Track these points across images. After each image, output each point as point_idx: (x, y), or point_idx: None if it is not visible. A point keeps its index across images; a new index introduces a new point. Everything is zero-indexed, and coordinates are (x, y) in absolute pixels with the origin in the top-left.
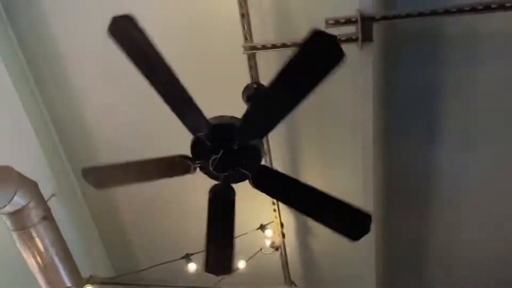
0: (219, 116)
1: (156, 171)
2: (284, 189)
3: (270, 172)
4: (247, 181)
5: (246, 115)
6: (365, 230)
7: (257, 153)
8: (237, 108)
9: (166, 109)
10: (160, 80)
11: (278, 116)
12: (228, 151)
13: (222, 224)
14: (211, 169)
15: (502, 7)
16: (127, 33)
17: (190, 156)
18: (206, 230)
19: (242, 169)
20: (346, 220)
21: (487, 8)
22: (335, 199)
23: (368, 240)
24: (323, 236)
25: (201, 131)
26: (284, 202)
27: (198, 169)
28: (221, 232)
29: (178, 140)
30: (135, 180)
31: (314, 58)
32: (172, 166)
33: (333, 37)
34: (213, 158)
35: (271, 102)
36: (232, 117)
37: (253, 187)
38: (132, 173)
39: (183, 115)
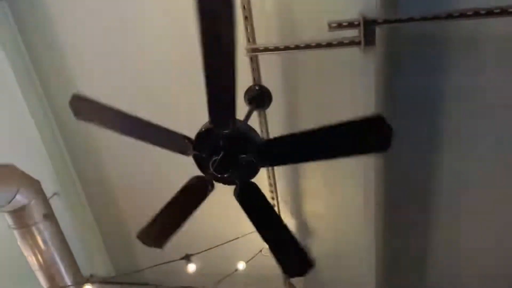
0: (243, 122)
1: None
2: (258, 211)
3: (254, 190)
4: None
5: (271, 140)
6: (302, 272)
7: (255, 170)
8: (239, 110)
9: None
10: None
11: (296, 159)
12: (233, 157)
13: (183, 209)
14: (210, 165)
15: (505, 12)
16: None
17: (193, 140)
18: (166, 204)
19: (234, 176)
20: (292, 258)
21: (490, 13)
22: (294, 238)
23: (368, 242)
24: (323, 238)
25: (224, 128)
26: (252, 222)
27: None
28: (177, 214)
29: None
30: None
31: (363, 136)
32: (170, 139)
33: (391, 129)
34: (215, 158)
35: (300, 144)
36: (255, 130)
37: (233, 196)
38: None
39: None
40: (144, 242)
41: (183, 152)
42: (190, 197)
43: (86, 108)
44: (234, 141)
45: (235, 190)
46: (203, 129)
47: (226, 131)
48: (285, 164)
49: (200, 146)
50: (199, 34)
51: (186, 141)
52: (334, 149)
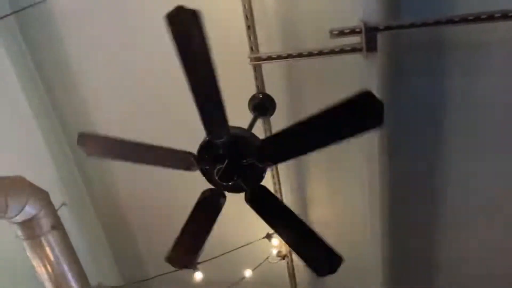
0: (238, 127)
1: (156, 157)
2: (273, 212)
3: (265, 193)
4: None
5: (268, 138)
6: (332, 269)
7: (261, 173)
8: (243, 118)
9: (175, 118)
10: (140, 157)
11: (296, 152)
12: (235, 163)
13: (202, 225)
14: (215, 175)
15: (505, 17)
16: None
17: (196, 155)
18: (185, 224)
19: (242, 183)
20: (318, 256)
21: (491, 18)
22: (315, 234)
23: (375, 248)
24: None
25: (219, 137)
26: (268, 223)
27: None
28: (198, 231)
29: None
30: (131, 159)
31: (354, 115)
32: (174, 158)
33: (381, 103)
34: (219, 167)
35: (297, 137)
36: (252, 133)
37: (246, 202)
38: (130, 151)
39: (208, 116)
40: (175, 265)
41: (189, 168)
42: (206, 211)
43: (93, 144)
44: (233, 147)
45: (246, 196)
46: (202, 143)
47: (222, 140)
48: (288, 159)
49: (204, 159)
50: (177, 55)
51: (190, 156)
52: (330, 134)
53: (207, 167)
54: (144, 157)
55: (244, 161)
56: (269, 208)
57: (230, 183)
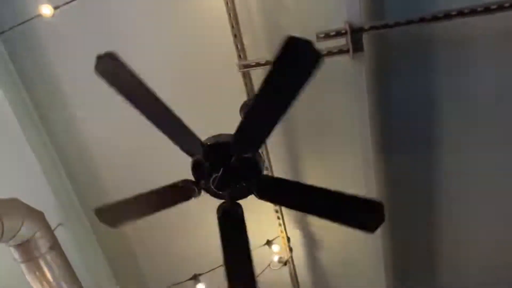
0: (214, 136)
1: (163, 200)
2: (290, 194)
3: (272, 181)
4: (249, 198)
5: (237, 130)
6: (380, 219)
7: (256, 164)
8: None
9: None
10: (151, 111)
11: (269, 126)
12: (228, 168)
13: (237, 242)
14: (213, 188)
15: (488, 10)
16: (112, 71)
17: (193, 179)
18: (222, 251)
19: (244, 183)
20: (359, 213)
21: (473, 12)
22: (343, 194)
23: (376, 248)
24: (330, 247)
25: (198, 153)
26: (293, 207)
27: (203, 191)
28: (237, 250)
29: (181, 163)
30: (146, 213)
31: (293, 64)
32: (177, 192)
33: (308, 41)
34: (213, 177)
35: (260, 113)
36: (226, 134)
37: (259, 199)
38: (141, 206)
39: (179, 140)
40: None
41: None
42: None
43: (111, 214)
44: (244, 166)
45: (255, 194)
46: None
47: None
48: (264, 140)
49: (210, 156)
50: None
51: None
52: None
53: (206, 164)
54: (154, 205)
55: (232, 161)
56: (283, 193)
57: (234, 189)
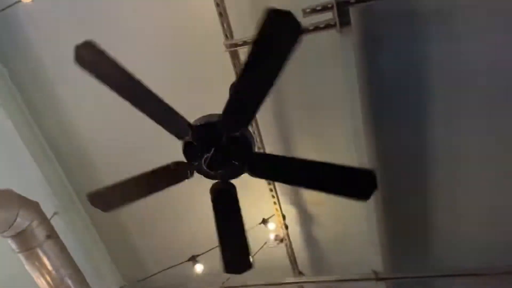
0: (204, 116)
1: (155, 182)
2: (283, 169)
3: (264, 157)
4: (243, 178)
5: (225, 108)
6: (372, 187)
7: (247, 142)
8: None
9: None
10: (135, 97)
11: (256, 101)
12: (219, 147)
13: (231, 221)
14: (205, 168)
15: None
16: (92, 59)
17: (185, 161)
18: (217, 231)
19: (236, 162)
20: (352, 182)
21: None
22: (334, 165)
23: (371, 222)
24: (325, 223)
25: (187, 134)
26: (286, 182)
27: (195, 172)
28: (232, 229)
29: (172, 148)
30: (138, 196)
31: (274, 36)
32: (169, 174)
33: (286, 12)
34: (205, 157)
35: (246, 90)
36: (215, 114)
37: (252, 176)
38: (133, 189)
39: (166, 123)
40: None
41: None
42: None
43: (104, 198)
44: (234, 144)
45: (248, 172)
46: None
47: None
48: (252, 118)
49: (199, 137)
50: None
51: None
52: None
53: (197, 145)
54: (147, 188)
55: (222, 140)
56: (276, 168)
57: (227, 168)
